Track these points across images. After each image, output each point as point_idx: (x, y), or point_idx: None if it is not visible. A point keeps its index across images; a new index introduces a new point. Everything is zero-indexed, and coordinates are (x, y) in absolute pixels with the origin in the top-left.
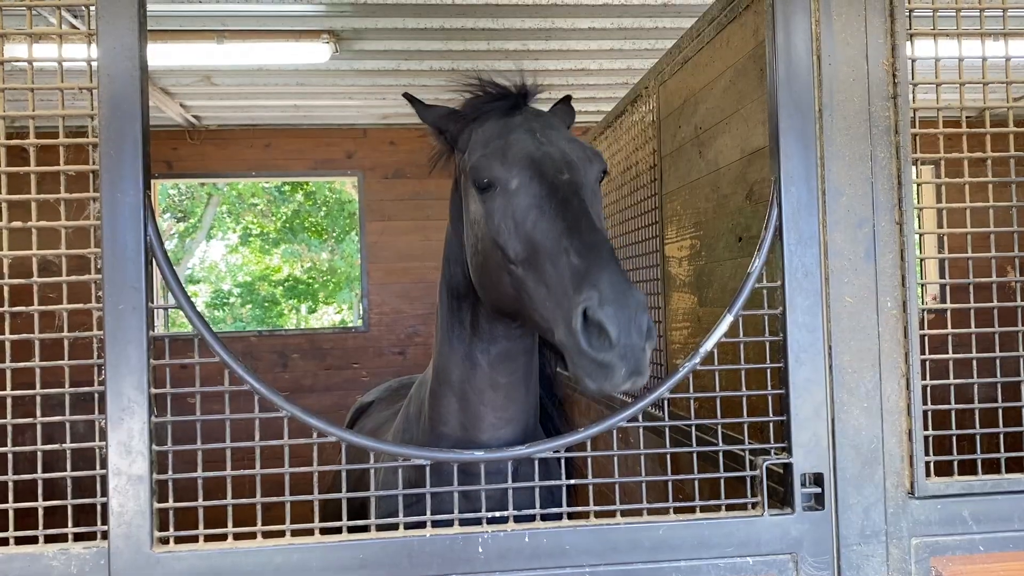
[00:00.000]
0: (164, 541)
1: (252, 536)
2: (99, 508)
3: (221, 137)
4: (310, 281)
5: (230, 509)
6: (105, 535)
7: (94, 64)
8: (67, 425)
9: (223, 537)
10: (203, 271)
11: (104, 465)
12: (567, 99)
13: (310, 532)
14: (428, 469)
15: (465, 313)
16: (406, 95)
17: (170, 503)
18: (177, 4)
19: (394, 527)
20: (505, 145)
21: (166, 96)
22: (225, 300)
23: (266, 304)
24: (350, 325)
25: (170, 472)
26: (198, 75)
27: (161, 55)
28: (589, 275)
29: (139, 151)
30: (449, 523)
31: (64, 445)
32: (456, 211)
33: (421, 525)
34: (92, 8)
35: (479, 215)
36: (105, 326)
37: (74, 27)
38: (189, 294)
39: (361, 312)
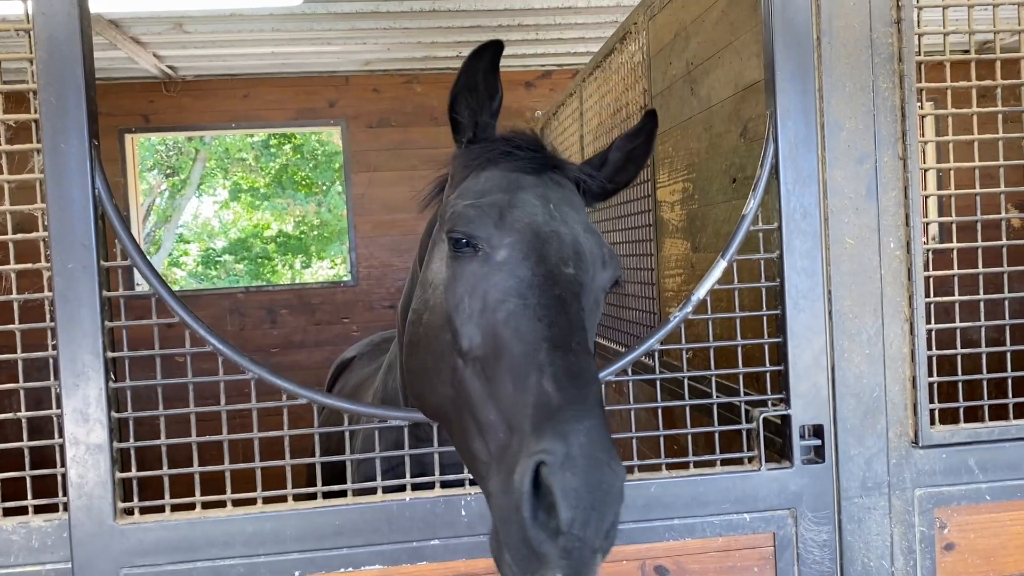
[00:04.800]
0: (129, 512)
1: (222, 505)
2: (59, 479)
3: (198, 88)
4: (301, 236)
5: (197, 477)
6: (66, 507)
7: (29, 2)
8: (22, 393)
9: (191, 506)
10: (196, 228)
11: (62, 434)
12: (651, 120)
13: (283, 499)
14: (407, 431)
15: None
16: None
17: (133, 472)
18: None
19: (372, 492)
20: (507, 202)
21: (138, 46)
22: (218, 258)
23: (259, 260)
24: (338, 279)
25: (131, 440)
26: (169, 22)
27: (127, 0)
28: (560, 417)
29: (82, 97)
30: (429, 486)
31: (19, 414)
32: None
33: (400, 489)
34: None
35: (440, 276)
36: (54, 287)
37: None
38: (151, 253)
39: (350, 266)
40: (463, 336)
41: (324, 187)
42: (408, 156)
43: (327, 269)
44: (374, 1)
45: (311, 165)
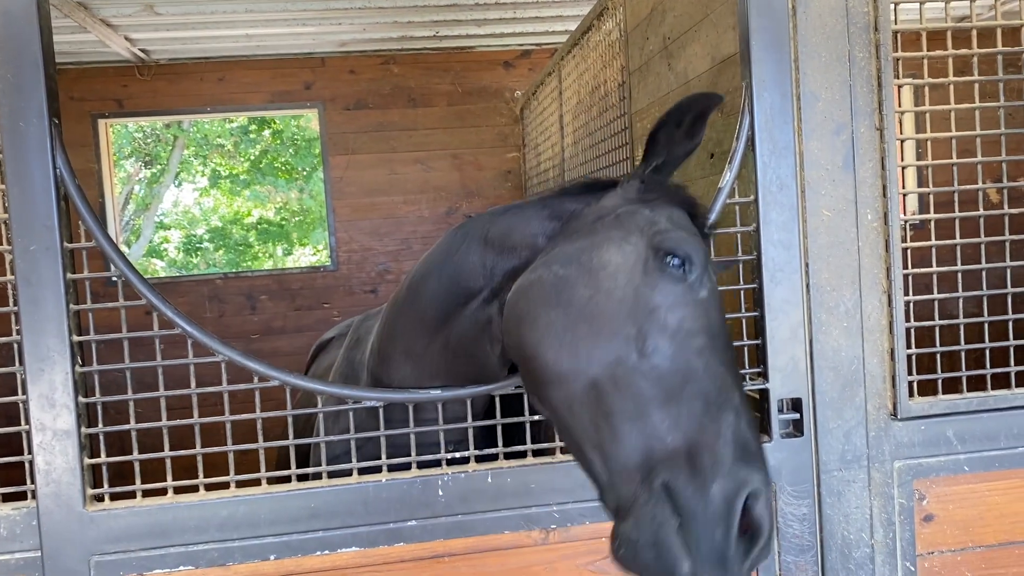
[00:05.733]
0: (99, 499)
1: (194, 489)
2: (26, 466)
3: (173, 72)
4: (283, 223)
5: (168, 462)
6: (34, 495)
7: None
8: None
9: (163, 492)
10: (177, 215)
11: (28, 420)
12: None
13: (257, 483)
14: (381, 411)
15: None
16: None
17: (102, 458)
18: None
19: (347, 474)
20: (704, 250)
21: (108, 28)
22: (198, 245)
23: (239, 247)
24: (318, 264)
25: (100, 425)
26: (139, 4)
27: None
28: (760, 459)
29: (40, 75)
30: (406, 467)
31: None
32: (528, 221)
33: (376, 471)
34: None
35: (628, 273)
36: (16, 270)
37: None
38: (127, 238)
39: (330, 251)
40: (651, 340)
41: (304, 172)
42: (386, 138)
43: (309, 256)
44: None
45: (291, 151)
